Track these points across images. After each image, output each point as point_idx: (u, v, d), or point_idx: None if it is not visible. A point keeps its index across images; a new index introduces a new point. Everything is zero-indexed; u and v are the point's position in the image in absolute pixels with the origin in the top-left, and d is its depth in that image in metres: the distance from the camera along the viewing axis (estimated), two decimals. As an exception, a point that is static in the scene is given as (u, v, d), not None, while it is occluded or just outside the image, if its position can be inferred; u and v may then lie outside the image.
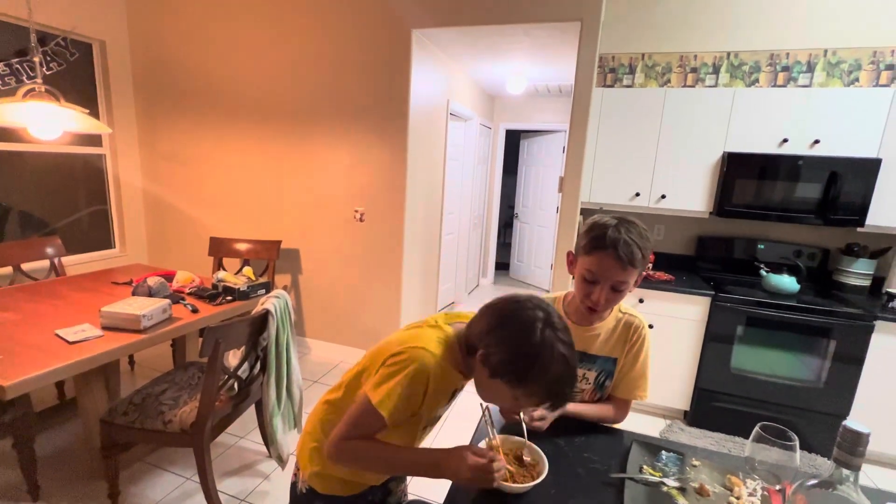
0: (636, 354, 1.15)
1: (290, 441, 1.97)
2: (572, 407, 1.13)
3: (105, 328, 1.70)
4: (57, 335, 1.61)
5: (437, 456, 0.84)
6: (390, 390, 0.79)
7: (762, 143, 2.47)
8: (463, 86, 3.94)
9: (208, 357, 1.55)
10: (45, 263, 2.61)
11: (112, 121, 3.30)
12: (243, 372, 1.80)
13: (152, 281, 2.08)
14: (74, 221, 3.23)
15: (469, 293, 5.15)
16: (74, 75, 3.09)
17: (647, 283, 2.57)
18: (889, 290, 2.36)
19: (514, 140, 5.56)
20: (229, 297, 2.21)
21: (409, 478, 1.22)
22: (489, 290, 5.41)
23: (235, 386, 1.78)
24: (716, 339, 2.46)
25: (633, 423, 2.57)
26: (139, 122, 3.46)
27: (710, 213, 2.63)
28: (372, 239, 3.00)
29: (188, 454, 2.00)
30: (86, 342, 1.58)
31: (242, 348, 1.76)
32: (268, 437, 1.88)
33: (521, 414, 0.99)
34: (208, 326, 1.51)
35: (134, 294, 2.04)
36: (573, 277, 1.09)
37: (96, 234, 3.38)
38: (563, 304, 1.18)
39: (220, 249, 3.04)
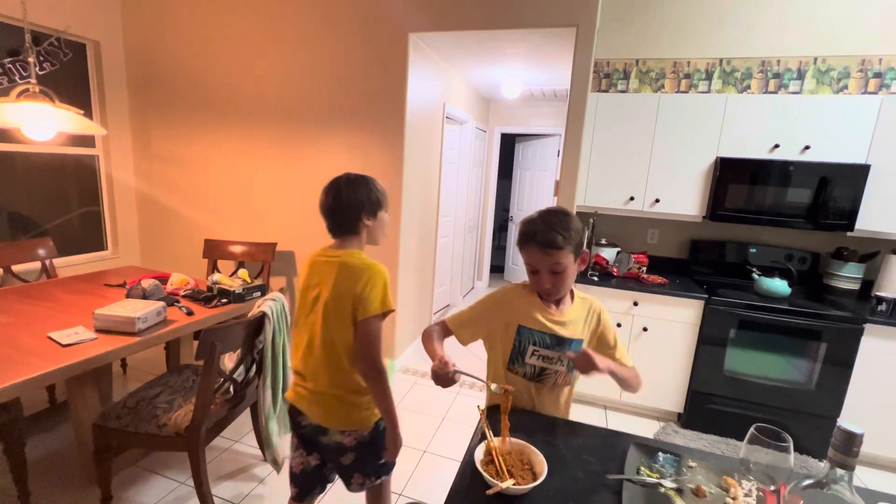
0: (611, 332, 1.26)
1: (285, 444, 1.96)
2: (604, 364, 1.13)
3: (99, 331, 1.69)
4: (49, 338, 1.59)
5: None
6: (378, 293, 1.25)
7: (754, 148, 2.51)
8: (459, 89, 3.96)
9: (204, 360, 1.54)
10: (37, 265, 2.58)
11: (106, 121, 3.27)
12: (239, 375, 1.79)
13: (146, 283, 2.06)
14: (66, 222, 3.19)
15: (464, 296, 5.16)
16: (68, 76, 3.06)
17: (641, 286, 2.60)
18: (878, 293, 2.40)
19: (509, 144, 5.59)
20: (224, 300, 2.19)
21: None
22: (484, 293, 5.42)
23: (231, 389, 1.77)
24: (709, 342, 2.49)
25: (628, 425, 2.59)
26: (133, 123, 3.44)
27: (704, 217, 2.66)
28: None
29: (182, 458, 1.98)
30: (79, 345, 1.57)
31: (238, 351, 1.76)
32: (263, 441, 1.87)
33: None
34: (204, 329, 1.51)
35: (128, 296, 2.02)
36: None
37: (89, 235, 3.34)
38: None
39: (214, 251, 3.02)
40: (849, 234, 2.46)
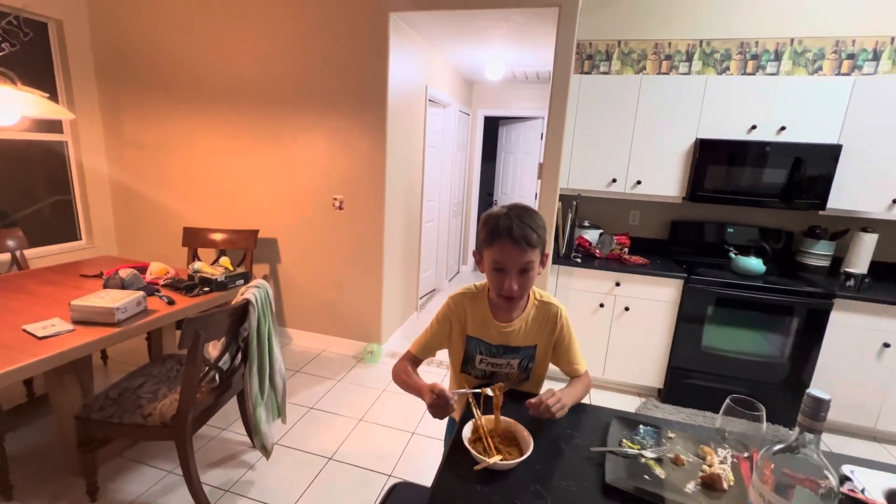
0: (566, 338, 1.23)
1: (273, 431, 1.97)
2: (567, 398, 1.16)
3: (76, 322, 1.65)
4: (24, 331, 1.55)
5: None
6: None
7: (732, 129, 2.55)
8: (441, 71, 3.90)
9: (188, 349, 1.52)
10: (7, 256, 2.49)
11: (73, 105, 3.13)
12: (224, 363, 1.77)
13: (125, 273, 2.01)
14: (36, 212, 3.08)
15: (450, 280, 5.18)
16: (30, 57, 2.91)
17: (623, 267, 2.65)
18: (847, 269, 2.50)
19: (492, 127, 5.56)
20: (207, 288, 2.16)
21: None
22: (470, 278, 5.46)
23: (216, 377, 1.76)
24: (688, 320, 2.56)
25: (610, 401, 2.67)
26: (102, 107, 3.30)
27: (683, 198, 2.71)
28: (352, 227, 2.97)
29: (169, 447, 1.97)
30: (56, 337, 1.53)
31: (223, 339, 1.74)
32: (251, 428, 1.86)
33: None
34: (187, 318, 1.48)
35: (105, 287, 1.97)
36: (485, 273, 1.15)
37: (60, 225, 3.23)
38: (489, 296, 1.20)
39: (194, 240, 2.96)
40: (821, 212, 2.54)
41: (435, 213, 4.38)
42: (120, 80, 3.21)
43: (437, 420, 1.08)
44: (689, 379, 2.63)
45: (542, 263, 1.12)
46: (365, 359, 3.04)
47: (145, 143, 3.27)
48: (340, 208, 2.97)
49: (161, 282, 2.19)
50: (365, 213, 2.93)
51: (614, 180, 2.78)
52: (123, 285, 1.97)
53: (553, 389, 1.07)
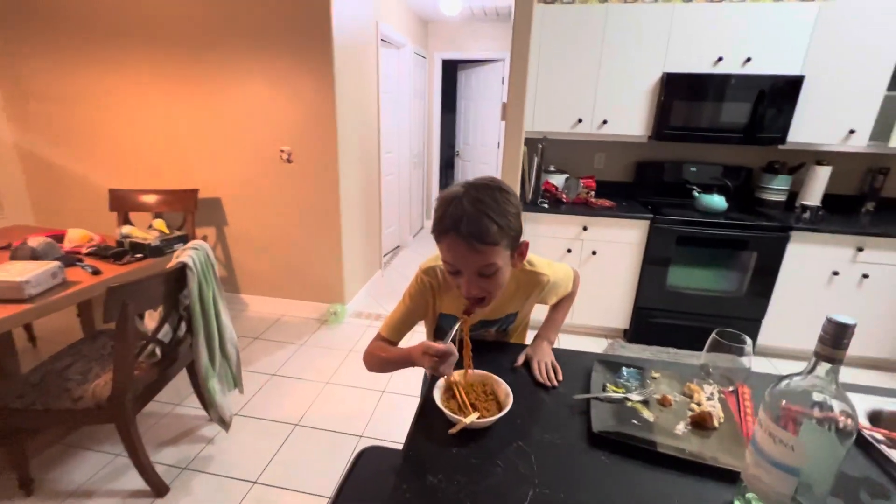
0: (551, 295, 1.11)
1: (230, 402, 1.83)
2: (553, 335, 1.12)
3: (-24, 300, 1.40)
4: None
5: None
6: None
7: (699, 62, 2.46)
8: (393, 7, 3.55)
9: (116, 322, 1.33)
10: None
11: (-50, 49, 2.62)
12: (165, 335, 1.59)
13: (35, 241, 1.74)
14: (-77, 179, 2.63)
15: (414, 236, 5.04)
16: None
17: (590, 210, 2.59)
18: (803, 202, 2.55)
19: (451, 73, 5.25)
20: (139, 255, 1.92)
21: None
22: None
23: (158, 351, 1.58)
24: (653, 260, 2.57)
25: (578, 345, 2.69)
26: (-9, 52, 2.79)
27: (649, 137, 2.64)
28: (304, 181, 2.73)
29: (113, 429, 1.80)
30: (-51, 319, 1.29)
31: (160, 309, 1.55)
32: (206, 401, 1.72)
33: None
34: (110, 286, 1.28)
35: (13, 259, 1.70)
36: None
37: (-42, 193, 2.79)
38: None
39: (123, 203, 2.64)
40: (780, 147, 2.54)
41: (395, 165, 4.15)
42: (13, 16, 2.69)
43: (406, 375, 0.96)
44: (654, 318, 2.68)
45: (518, 256, 0.87)
46: (329, 321, 2.90)
47: (53, 97, 2.81)
48: (289, 161, 2.71)
49: (84, 250, 1.93)
50: (317, 164, 2.68)
51: (580, 120, 2.66)
52: (35, 256, 1.70)
53: (532, 355, 0.99)
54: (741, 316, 2.56)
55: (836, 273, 2.40)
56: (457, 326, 0.87)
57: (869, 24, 2.25)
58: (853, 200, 2.75)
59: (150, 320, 1.62)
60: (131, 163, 2.88)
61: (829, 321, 0.50)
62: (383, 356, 1.00)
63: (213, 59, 2.58)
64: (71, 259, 1.79)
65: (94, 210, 2.96)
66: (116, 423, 1.42)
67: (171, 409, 2.02)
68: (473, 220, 0.76)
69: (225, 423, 1.74)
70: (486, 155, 4.92)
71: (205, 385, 1.66)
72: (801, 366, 0.54)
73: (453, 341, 0.84)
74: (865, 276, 2.36)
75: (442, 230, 0.80)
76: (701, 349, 0.86)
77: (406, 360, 0.92)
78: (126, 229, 2.02)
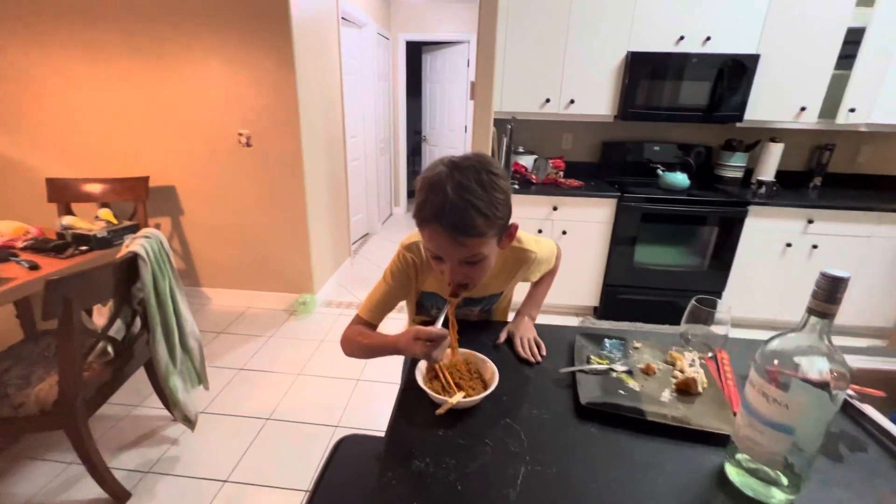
0: (535, 272, 1.08)
1: (195, 400, 1.73)
2: (534, 311, 1.11)
3: None
4: None
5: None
6: None
7: (662, 41, 2.49)
8: (352, -18, 3.39)
9: (59, 319, 1.21)
10: None
11: None
12: (118, 331, 1.47)
13: (-42, 236, 1.56)
14: None
15: (383, 223, 4.94)
16: None
17: (559, 190, 2.60)
18: (758, 178, 2.66)
19: (415, 57, 5.13)
20: (84, 247, 1.77)
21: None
22: (404, 220, 5.24)
23: (110, 349, 1.46)
24: (621, 238, 2.62)
25: (549, 323, 2.72)
26: None
27: (615, 116, 2.66)
28: (265, 166, 2.59)
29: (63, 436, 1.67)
30: None
31: (110, 303, 1.42)
32: (168, 400, 1.62)
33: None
34: (49, 280, 1.16)
35: (-68, 255, 1.52)
36: None
37: None
38: None
39: (64, 193, 2.42)
40: (738, 125, 2.63)
41: (360, 150, 4.02)
42: None
43: (381, 363, 0.91)
44: (622, 294, 2.75)
45: (507, 239, 0.83)
46: (297, 311, 2.80)
47: (-30, 73, 2.52)
48: (248, 145, 2.56)
49: (19, 244, 1.75)
50: (279, 148, 2.55)
51: (548, 100, 2.65)
52: (-41, 251, 1.53)
53: (514, 331, 0.97)
54: (704, 289, 2.66)
55: (789, 245, 2.52)
56: (445, 309, 0.83)
57: (818, 3, 2.34)
58: (803, 176, 2.90)
59: (100, 316, 1.49)
60: (72, 150, 2.64)
61: (824, 276, 0.49)
62: (364, 342, 0.92)
63: (161, 35, 2.38)
64: (4, 254, 1.63)
65: (29, 202, 2.71)
66: (66, 429, 1.30)
67: (130, 411, 1.89)
68: (457, 212, 0.70)
69: (190, 422, 1.64)
70: (454, 139, 4.86)
71: (165, 383, 1.55)
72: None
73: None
74: (815, 246, 2.50)
75: (423, 218, 0.74)
76: (667, 323, 0.86)
77: (390, 348, 0.86)
78: (67, 220, 1.85)
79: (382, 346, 0.88)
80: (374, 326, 1.00)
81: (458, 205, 0.70)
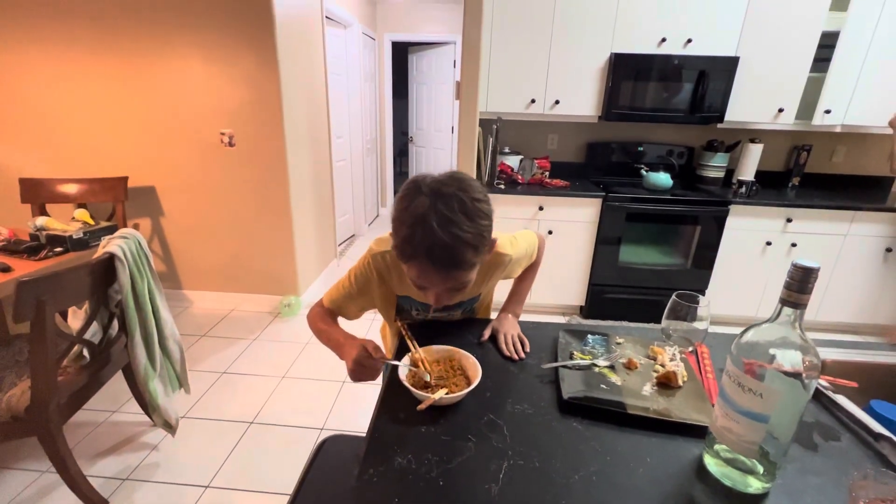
0: (515, 270, 1.07)
1: (175, 404, 1.69)
2: (518, 308, 1.12)
3: None
4: None
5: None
6: None
7: (644, 43, 2.52)
8: (337, -18, 3.37)
9: (31, 322, 1.17)
10: None
11: None
12: (94, 335, 1.43)
13: (-76, 237, 1.50)
14: None
15: (369, 224, 4.91)
16: None
17: (545, 190, 2.62)
18: (739, 178, 2.71)
19: (401, 57, 5.12)
20: (59, 249, 1.73)
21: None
22: (391, 221, 5.21)
23: (86, 353, 1.42)
24: (606, 238, 2.64)
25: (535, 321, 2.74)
26: None
27: (599, 117, 2.69)
28: (248, 166, 2.56)
29: (36, 443, 1.62)
30: None
31: (85, 306, 1.39)
32: (147, 405, 1.58)
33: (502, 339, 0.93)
34: (21, 281, 1.12)
35: None
36: None
37: None
38: None
39: (38, 194, 2.35)
40: (719, 126, 2.68)
41: (346, 151, 4.00)
42: None
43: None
44: (608, 294, 2.77)
45: (487, 252, 0.80)
46: (282, 313, 2.77)
47: (-61, 70, 2.44)
48: (231, 145, 2.52)
49: (-10, 246, 1.70)
50: (263, 148, 2.52)
51: (533, 101, 2.67)
52: (-75, 253, 1.47)
53: (498, 328, 0.96)
54: (688, 287, 2.67)
55: (769, 243, 2.58)
56: (406, 360, 0.81)
57: (793, 7, 2.40)
58: (782, 176, 2.96)
59: (76, 319, 1.45)
60: (46, 149, 2.58)
61: (796, 266, 0.50)
62: (321, 327, 0.97)
63: (139, 31, 2.34)
64: (-27, 256, 1.57)
65: (1, 203, 2.63)
66: (39, 435, 1.26)
67: (108, 417, 1.84)
68: (447, 250, 0.70)
69: (170, 427, 1.61)
70: (441, 140, 4.86)
71: (145, 387, 1.51)
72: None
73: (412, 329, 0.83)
74: (794, 244, 2.56)
75: (409, 255, 0.73)
76: (651, 321, 0.87)
77: (337, 349, 0.89)
78: (41, 221, 1.80)
79: (332, 344, 0.92)
80: (334, 315, 1.02)
81: (448, 242, 0.69)
